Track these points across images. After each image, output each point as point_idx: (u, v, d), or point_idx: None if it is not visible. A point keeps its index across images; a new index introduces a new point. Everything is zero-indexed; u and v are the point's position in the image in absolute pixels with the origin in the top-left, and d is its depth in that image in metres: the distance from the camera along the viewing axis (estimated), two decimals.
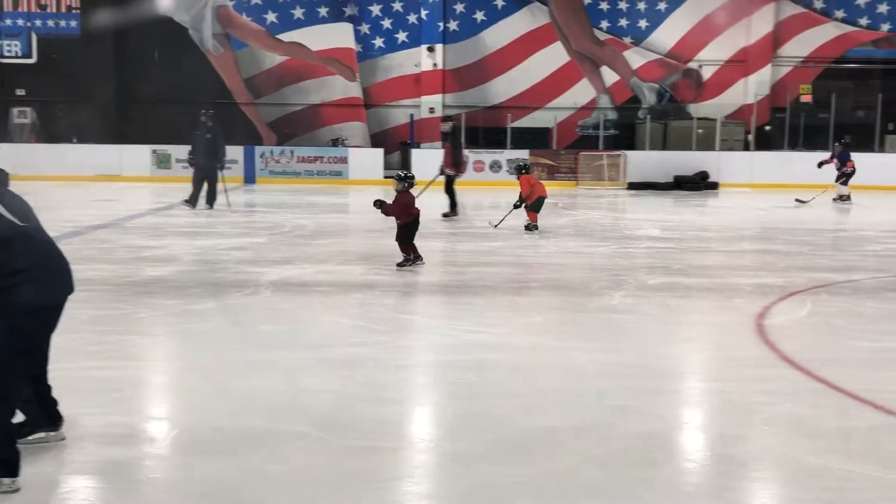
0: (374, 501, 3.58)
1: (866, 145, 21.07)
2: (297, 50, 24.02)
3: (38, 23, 23.56)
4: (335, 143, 23.30)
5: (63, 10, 23.47)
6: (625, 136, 23.62)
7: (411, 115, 23.37)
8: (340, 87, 24.15)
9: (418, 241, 9.10)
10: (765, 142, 23.20)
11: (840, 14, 23.77)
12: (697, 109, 23.79)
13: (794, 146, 22.83)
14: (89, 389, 4.88)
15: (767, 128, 23.61)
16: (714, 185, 21.14)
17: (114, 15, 22.82)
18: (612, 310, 7.31)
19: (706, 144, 22.53)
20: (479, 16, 23.99)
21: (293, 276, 8.61)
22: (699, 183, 20.99)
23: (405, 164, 21.30)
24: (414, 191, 9.21)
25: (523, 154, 21.14)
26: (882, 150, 22.32)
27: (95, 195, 17.50)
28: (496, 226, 12.37)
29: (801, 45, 23.82)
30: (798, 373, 5.43)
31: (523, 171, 12.58)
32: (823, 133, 22.06)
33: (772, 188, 20.34)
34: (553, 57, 24.04)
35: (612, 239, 12.06)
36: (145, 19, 22.94)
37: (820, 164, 17.67)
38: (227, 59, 24.09)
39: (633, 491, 3.68)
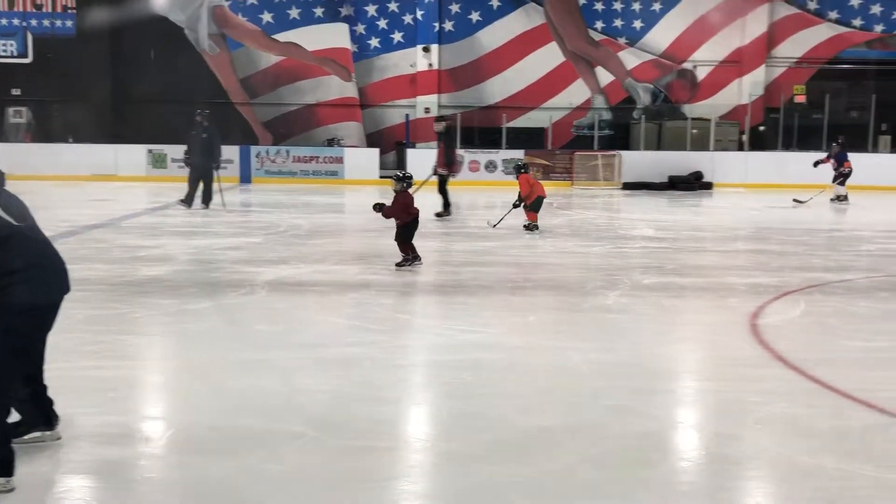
0: (371, 501, 3.58)
1: (860, 146, 21.12)
2: (293, 50, 24.01)
3: (33, 22, 23.52)
4: (331, 143, 23.30)
5: (59, 9, 23.43)
6: (620, 137, 23.67)
7: (407, 116, 23.38)
8: (336, 87, 24.15)
9: (415, 241, 9.11)
10: (759, 142, 23.27)
11: (834, 15, 23.84)
12: (692, 110, 23.84)
13: (787, 146, 22.90)
14: (85, 389, 4.88)
15: (761, 128, 23.68)
16: (708, 186, 21.19)
17: (109, 14, 22.80)
18: (606, 309, 7.33)
19: (700, 145, 22.59)
20: (475, 16, 24.01)
21: (289, 276, 8.61)
22: (693, 183, 21.03)
23: (401, 164, 21.31)
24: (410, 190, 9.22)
25: (518, 154, 21.17)
26: (875, 150, 22.39)
27: (91, 195, 17.47)
28: (495, 226, 12.37)
29: (795, 46, 23.88)
30: (792, 372, 5.45)
31: (522, 171, 12.58)
32: (817, 133, 22.14)
33: (766, 188, 20.40)
34: (548, 57, 24.07)
35: (606, 239, 12.08)
36: (141, 19, 22.91)
37: (816, 164, 17.72)
38: (223, 59, 24.07)
39: (629, 491, 3.70)
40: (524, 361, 5.68)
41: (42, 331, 3.80)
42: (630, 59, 24.07)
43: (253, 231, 12.12)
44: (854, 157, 17.60)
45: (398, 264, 8.94)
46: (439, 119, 14.85)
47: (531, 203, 12.19)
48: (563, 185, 21.22)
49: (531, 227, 12.15)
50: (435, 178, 14.01)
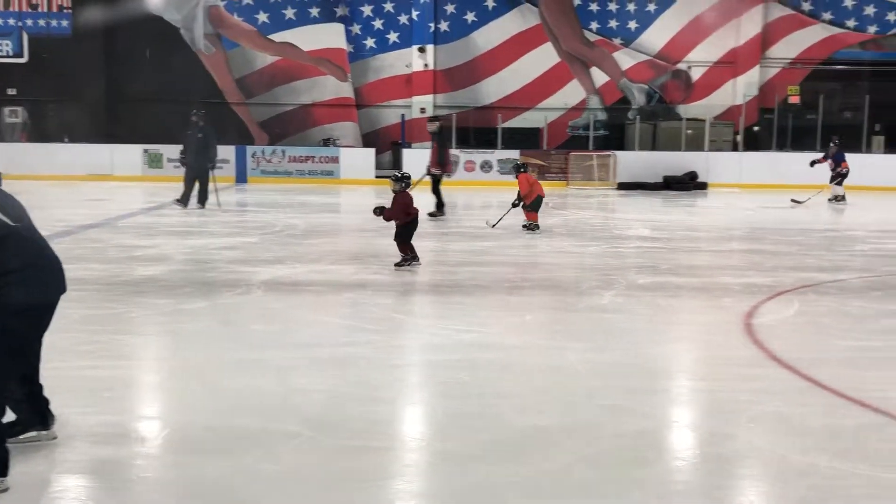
0: (367, 500, 3.59)
1: (854, 146, 21.17)
2: (289, 50, 23.99)
3: (29, 22, 23.46)
4: (326, 142, 23.29)
5: (54, 9, 23.38)
6: (614, 137, 23.67)
7: (402, 116, 23.37)
8: (332, 88, 24.13)
9: (412, 241, 9.12)
10: (753, 142, 23.32)
11: (828, 16, 23.90)
12: (686, 110, 23.87)
13: (782, 147, 22.96)
14: (81, 389, 4.88)
15: (756, 128, 23.72)
16: (703, 186, 21.22)
17: (105, 14, 22.76)
18: (602, 309, 7.35)
19: (695, 145, 22.62)
20: (470, 17, 24.02)
21: (284, 276, 8.62)
22: (688, 183, 21.06)
23: (396, 164, 21.32)
24: None
25: (514, 154, 21.18)
26: (869, 150, 22.46)
27: (87, 195, 17.45)
28: (494, 225, 12.36)
29: (790, 47, 23.93)
30: (786, 372, 5.47)
31: (521, 171, 12.58)
32: (811, 134, 22.19)
33: (760, 188, 20.44)
34: (543, 58, 24.08)
35: (602, 239, 12.10)
36: (136, 19, 22.88)
37: (812, 164, 17.78)
38: (219, 59, 24.04)
39: (624, 490, 3.71)
40: (520, 361, 5.70)
41: (38, 331, 3.80)
42: (625, 59, 24.10)
43: (249, 231, 12.12)
44: (848, 158, 17.66)
45: (397, 264, 8.94)
46: (433, 119, 14.88)
47: (531, 203, 12.19)
48: (559, 185, 21.24)
49: (531, 226, 12.15)
50: (428, 178, 14.02)
